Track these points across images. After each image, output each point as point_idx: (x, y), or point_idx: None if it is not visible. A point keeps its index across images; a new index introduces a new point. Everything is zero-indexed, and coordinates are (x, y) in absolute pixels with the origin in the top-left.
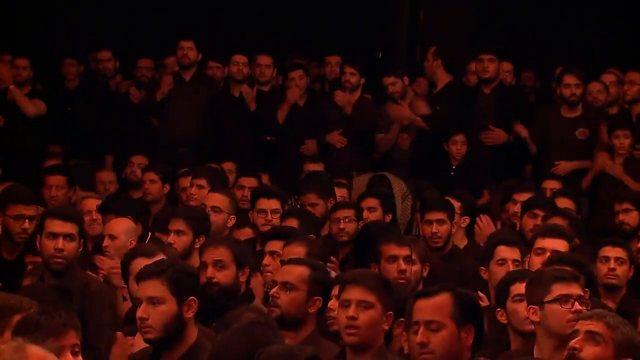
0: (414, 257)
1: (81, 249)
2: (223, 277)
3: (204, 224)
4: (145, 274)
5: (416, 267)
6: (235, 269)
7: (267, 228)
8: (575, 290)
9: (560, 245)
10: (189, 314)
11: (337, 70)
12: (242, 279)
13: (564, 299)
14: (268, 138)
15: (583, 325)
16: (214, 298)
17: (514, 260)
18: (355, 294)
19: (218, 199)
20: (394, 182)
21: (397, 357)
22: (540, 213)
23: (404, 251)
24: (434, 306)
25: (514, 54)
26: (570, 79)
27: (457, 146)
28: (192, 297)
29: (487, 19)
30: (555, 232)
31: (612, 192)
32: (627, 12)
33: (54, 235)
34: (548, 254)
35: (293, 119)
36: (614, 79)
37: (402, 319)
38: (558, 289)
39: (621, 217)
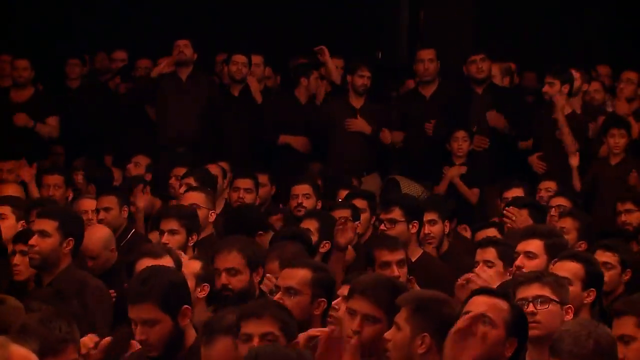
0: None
1: (69, 247)
2: (237, 282)
3: (196, 222)
4: (134, 298)
5: (405, 269)
6: (250, 272)
7: None
8: (532, 291)
9: (531, 245)
10: (185, 322)
11: (340, 72)
12: (257, 279)
13: (520, 303)
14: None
15: None
16: (230, 303)
17: (486, 261)
18: (363, 306)
19: (195, 197)
20: (404, 186)
21: None
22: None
23: (397, 256)
24: (492, 304)
25: (513, 54)
26: (546, 78)
27: (459, 142)
28: (184, 307)
29: (487, 19)
30: (526, 234)
31: (611, 192)
32: (626, 12)
33: (32, 232)
34: (521, 256)
35: (294, 118)
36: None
37: None
38: (518, 294)
39: (623, 217)
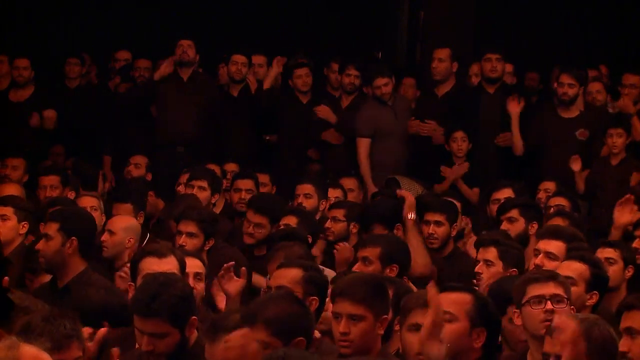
0: (371, 257)
1: (73, 246)
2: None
3: (214, 227)
4: (143, 311)
5: (373, 267)
6: None
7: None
8: (549, 289)
9: (553, 246)
10: (192, 332)
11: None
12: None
13: (536, 300)
14: (267, 138)
15: (551, 347)
16: None
17: (486, 261)
18: (344, 307)
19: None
20: (404, 185)
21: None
22: (503, 218)
23: (363, 253)
24: (452, 299)
25: (513, 55)
26: (564, 79)
27: (458, 143)
28: (192, 318)
29: (487, 19)
30: (550, 234)
31: (611, 192)
32: (626, 13)
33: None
34: (541, 255)
35: (295, 118)
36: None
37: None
38: (531, 291)
39: None
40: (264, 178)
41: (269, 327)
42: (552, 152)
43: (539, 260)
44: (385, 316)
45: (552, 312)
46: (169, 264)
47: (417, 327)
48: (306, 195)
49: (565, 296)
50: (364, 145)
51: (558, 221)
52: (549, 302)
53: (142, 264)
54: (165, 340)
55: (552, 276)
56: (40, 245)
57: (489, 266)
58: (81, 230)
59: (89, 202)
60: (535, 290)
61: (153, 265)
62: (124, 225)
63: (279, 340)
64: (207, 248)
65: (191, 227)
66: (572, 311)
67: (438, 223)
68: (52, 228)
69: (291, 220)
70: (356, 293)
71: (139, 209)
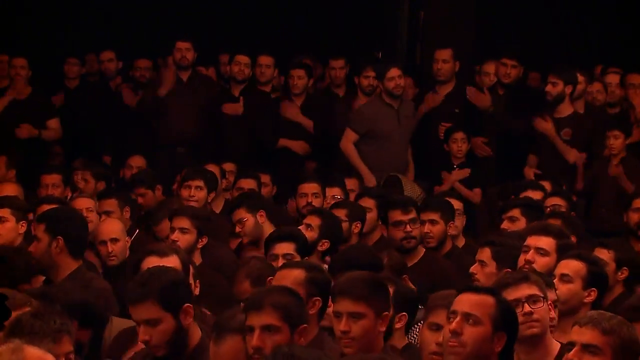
0: None
1: (59, 245)
2: None
3: (207, 225)
4: (134, 299)
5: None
6: None
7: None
8: (524, 291)
9: (544, 242)
10: (187, 320)
11: (341, 74)
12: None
13: (513, 304)
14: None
15: (579, 336)
16: None
17: (480, 261)
18: (345, 305)
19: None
20: (406, 185)
21: (397, 355)
22: (504, 217)
23: None
24: (476, 301)
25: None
26: (549, 77)
27: (458, 144)
28: (186, 305)
29: (487, 19)
30: (539, 230)
31: (610, 193)
32: (628, 12)
33: None
34: (532, 251)
35: (291, 120)
36: (617, 79)
37: (404, 313)
38: (507, 295)
39: None
40: (264, 178)
41: (278, 311)
42: (543, 152)
43: (529, 256)
44: (387, 313)
45: (530, 313)
46: (170, 263)
47: (437, 327)
48: (314, 194)
49: (541, 294)
50: (350, 136)
51: (555, 222)
52: (525, 304)
53: (145, 263)
54: (159, 327)
55: (523, 277)
56: (32, 247)
57: (483, 266)
58: (67, 229)
59: (85, 204)
60: (510, 294)
61: (155, 264)
62: (122, 227)
63: (287, 325)
64: (201, 246)
65: (184, 223)
66: (550, 307)
67: (433, 222)
68: (39, 229)
69: (314, 221)
70: (356, 291)
71: (124, 204)
